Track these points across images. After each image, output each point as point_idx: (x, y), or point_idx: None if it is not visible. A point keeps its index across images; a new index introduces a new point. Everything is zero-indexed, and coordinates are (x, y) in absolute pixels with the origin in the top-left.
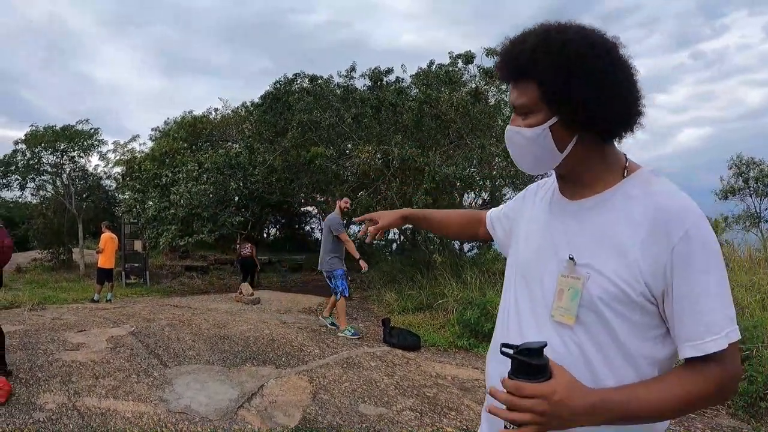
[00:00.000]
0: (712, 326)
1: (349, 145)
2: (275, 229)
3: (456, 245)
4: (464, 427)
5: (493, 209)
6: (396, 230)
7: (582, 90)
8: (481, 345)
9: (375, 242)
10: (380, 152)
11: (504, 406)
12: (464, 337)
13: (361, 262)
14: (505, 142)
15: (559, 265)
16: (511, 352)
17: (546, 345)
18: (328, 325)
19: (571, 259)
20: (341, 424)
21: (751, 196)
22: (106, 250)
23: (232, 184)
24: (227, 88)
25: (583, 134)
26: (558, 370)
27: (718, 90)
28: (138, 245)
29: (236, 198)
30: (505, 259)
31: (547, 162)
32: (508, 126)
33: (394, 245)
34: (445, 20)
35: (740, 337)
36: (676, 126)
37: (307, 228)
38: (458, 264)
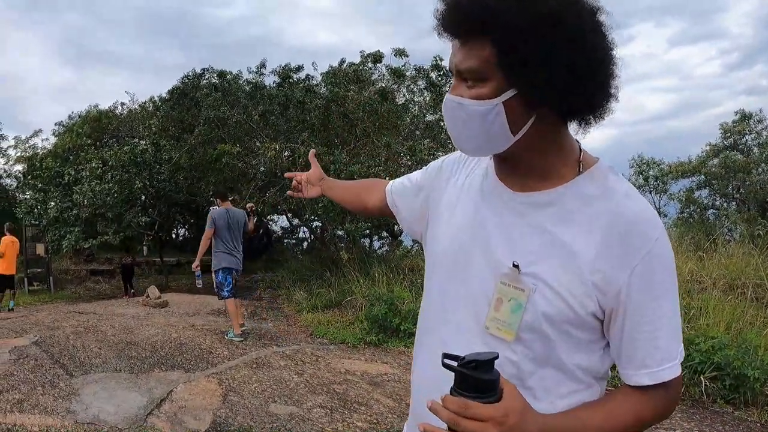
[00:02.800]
0: (667, 353)
1: (257, 143)
2: (184, 229)
3: (366, 243)
4: (374, 420)
5: (394, 182)
6: (305, 229)
7: (552, 57)
8: (389, 340)
9: (286, 241)
10: (287, 150)
11: (444, 426)
12: (373, 332)
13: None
14: (409, 142)
15: (496, 267)
16: (455, 364)
17: (497, 357)
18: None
19: (516, 266)
20: (252, 425)
21: (650, 192)
22: (6, 254)
23: (138, 182)
24: (139, 81)
25: (542, 114)
26: (508, 387)
27: (622, 95)
28: (40, 249)
29: (142, 197)
30: (416, 254)
31: (494, 145)
32: (447, 95)
33: (305, 244)
34: (365, 19)
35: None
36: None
37: None
38: (366, 261)
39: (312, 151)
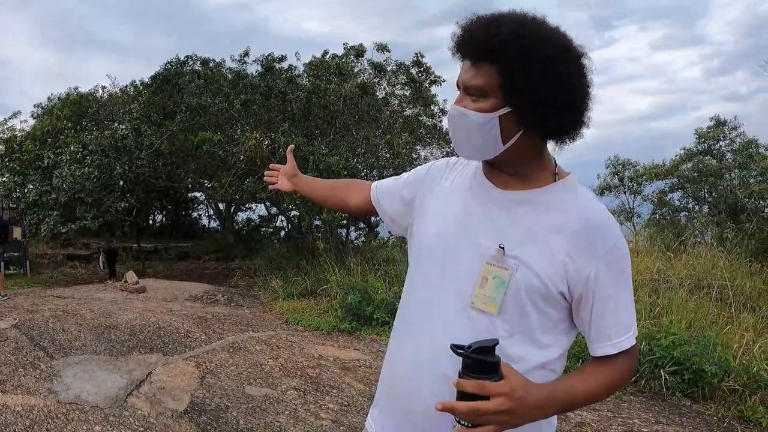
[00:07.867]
0: (626, 326)
1: (238, 132)
2: (161, 215)
3: (342, 233)
4: (345, 403)
5: (380, 181)
6: (283, 218)
7: (543, 89)
8: (362, 328)
9: (263, 229)
10: (268, 139)
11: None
12: (346, 320)
13: None
14: (387, 136)
15: (483, 252)
16: (463, 352)
17: (498, 343)
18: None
19: (502, 248)
20: (228, 405)
21: (625, 193)
22: None
23: (118, 167)
24: (125, 66)
25: (527, 131)
26: (506, 368)
27: (604, 96)
28: (18, 232)
29: (121, 182)
30: (392, 246)
31: (487, 151)
32: (452, 104)
33: (282, 233)
34: (352, 10)
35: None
36: None
37: (195, 215)
38: (342, 251)
39: (290, 147)
